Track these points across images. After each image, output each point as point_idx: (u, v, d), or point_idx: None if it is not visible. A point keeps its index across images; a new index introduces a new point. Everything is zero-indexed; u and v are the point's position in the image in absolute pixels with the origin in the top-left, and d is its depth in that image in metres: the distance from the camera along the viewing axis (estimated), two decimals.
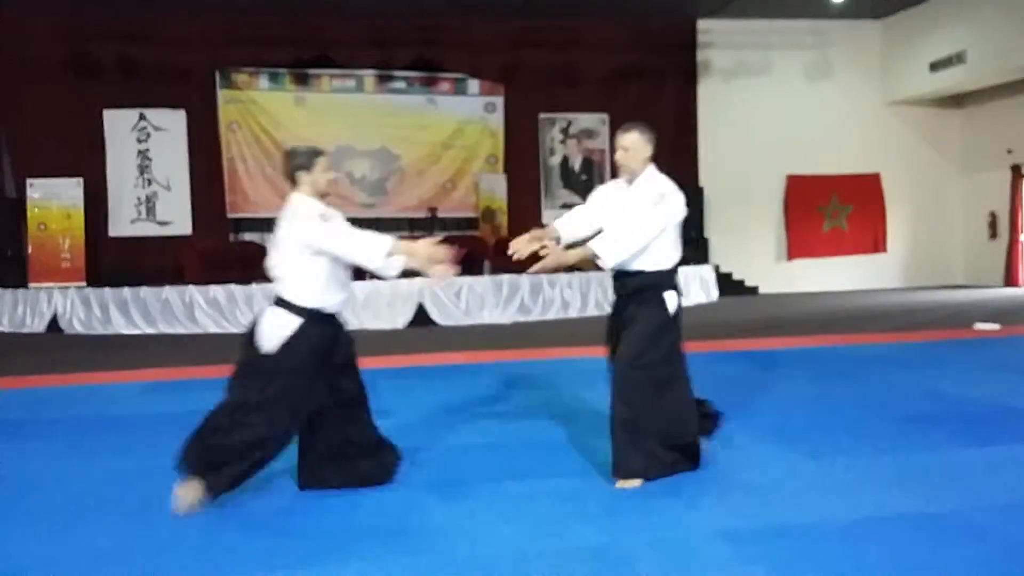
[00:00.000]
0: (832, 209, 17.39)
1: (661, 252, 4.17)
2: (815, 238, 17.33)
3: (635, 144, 4.23)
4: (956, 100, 17.65)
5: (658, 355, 4.07)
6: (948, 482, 3.91)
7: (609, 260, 4.09)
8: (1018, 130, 16.41)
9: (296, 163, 3.91)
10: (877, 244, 17.62)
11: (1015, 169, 16.55)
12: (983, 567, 2.92)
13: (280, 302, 3.84)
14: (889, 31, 17.33)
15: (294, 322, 3.79)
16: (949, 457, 4.35)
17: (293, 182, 3.94)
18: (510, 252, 4.15)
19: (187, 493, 3.70)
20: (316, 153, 3.95)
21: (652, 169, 4.27)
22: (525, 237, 4.17)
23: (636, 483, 3.98)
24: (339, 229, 3.86)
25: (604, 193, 4.45)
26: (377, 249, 3.84)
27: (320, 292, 3.85)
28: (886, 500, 3.68)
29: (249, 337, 3.86)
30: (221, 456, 3.71)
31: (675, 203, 4.16)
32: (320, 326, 3.86)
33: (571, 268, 13.18)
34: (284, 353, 3.77)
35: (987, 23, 14.90)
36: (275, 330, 3.79)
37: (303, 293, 3.83)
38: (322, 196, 3.96)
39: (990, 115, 17.18)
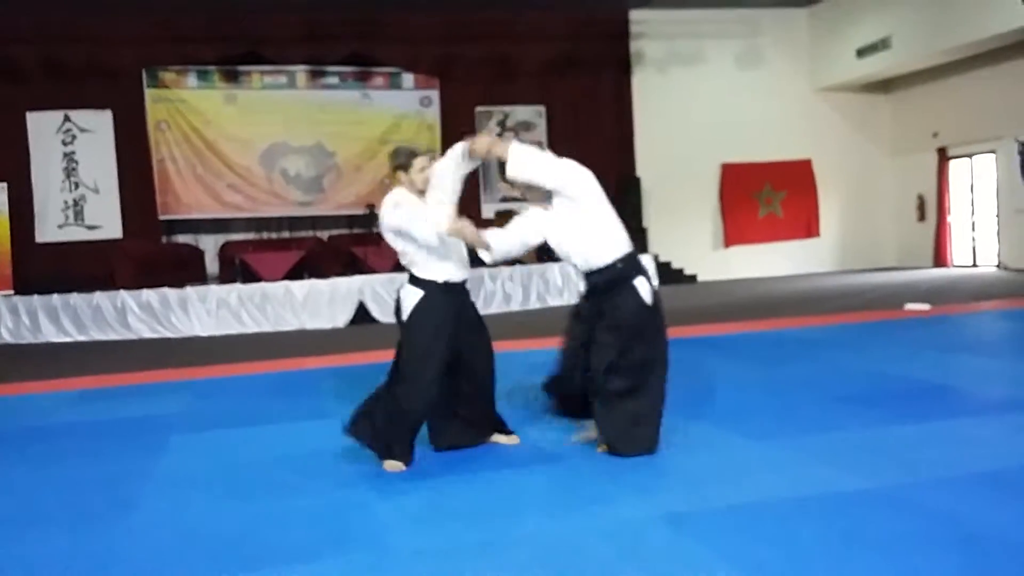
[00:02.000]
0: (766, 196, 17.69)
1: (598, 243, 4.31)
2: (751, 225, 17.61)
3: None
4: (883, 85, 18.08)
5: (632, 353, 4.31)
6: (883, 458, 3.99)
7: None
8: (943, 114, 16.88)
9: (397, 163, 4.34)
10: (810, 229, 17.97)
11: (941, 152, 17.01)
12: (915, 540, 2.99)
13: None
14: (816, 18, 17.67)
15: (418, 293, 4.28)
16: (883, 434, 4.44)
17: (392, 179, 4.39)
18: None
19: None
20: (413, 154, 4.35)
21: None
22: None
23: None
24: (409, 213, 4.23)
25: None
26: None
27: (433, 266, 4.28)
28: (824, 478, 3.74)
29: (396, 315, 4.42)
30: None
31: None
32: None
33: (514, 262, 13.19)
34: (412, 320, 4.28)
35: (910, 8, 15.27)
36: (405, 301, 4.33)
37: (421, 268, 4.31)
38: (420, 193, 4.33)
39: (916, 99, 17.63)
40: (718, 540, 3.09)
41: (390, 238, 4.32)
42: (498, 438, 4.67)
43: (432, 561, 3.05)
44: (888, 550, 2.91)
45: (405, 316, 4.33)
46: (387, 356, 8.69)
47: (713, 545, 3.04)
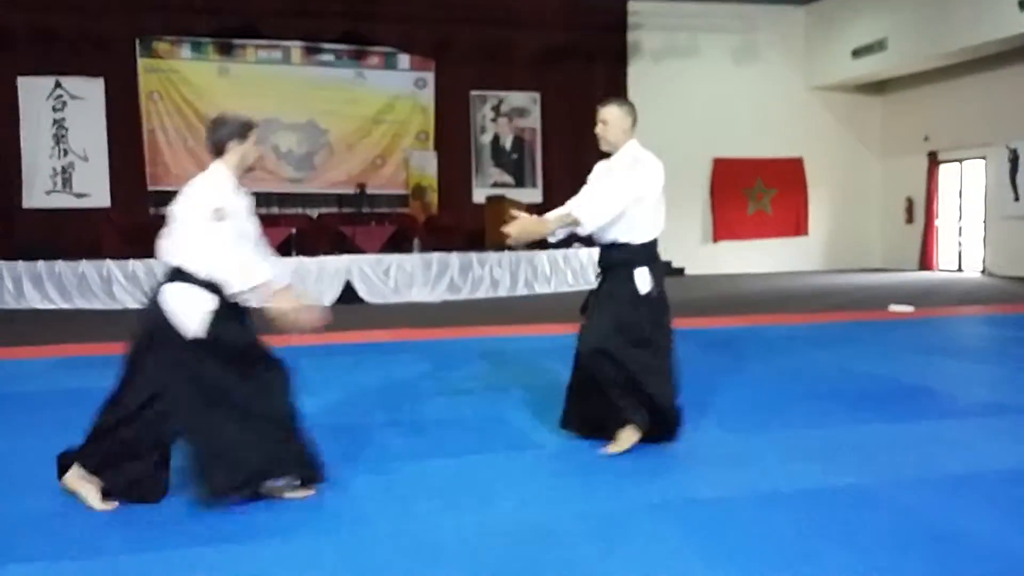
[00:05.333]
0: (757, 192, 17.74)
1: (636, 224, 4.14)
2: (740, 220, 17.66)
3: (613, 117, 4.18)
4: (877, 87, 18.12)
5: (620, 339, 4.05)
6: (859, 457, 4.03)
7: (587, 221, 4.04)
8: (935, 117, 16.94)
9: (227, 131, 3.57)
10: (799, 227, 18.05)
11: (931, 156, 17.09)
12: (885, 538, 3.03)
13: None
14: (813, 17, 17.69)
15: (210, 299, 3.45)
16: (861, 433, 4.48)
17: (219, 152, 3.57)
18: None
19: None
20: (250, 125, 3.63)
21: (633, 142, 4.24)
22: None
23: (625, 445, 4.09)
24: (216, 242, 3.42)
25: (595, 170, 4.40)
26: (244, 280, 3.45)
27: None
28: (800, 474, 3.78)
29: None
30: None
31: (650, 170, 4.16)
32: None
33: (502, 247, 13.18)
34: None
35: (907, 11, 15.31)
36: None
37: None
38: (248, 170, 3.67)
39: (909, 102, 17.69)
40: (693, 531, 3.12)
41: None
42: None
43: (404, 545, 3.06)
44: (858, 547, 2.94)
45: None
46: (372, 336, 8.70)
47: (688, 536, 3.07)
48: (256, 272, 3.47)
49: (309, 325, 3.59)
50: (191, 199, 3.46)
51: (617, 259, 4.17)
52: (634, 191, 4.09)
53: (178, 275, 3.45)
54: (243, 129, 3.59)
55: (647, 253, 4.19)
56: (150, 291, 3.59)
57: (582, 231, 4.09)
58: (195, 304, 3.41)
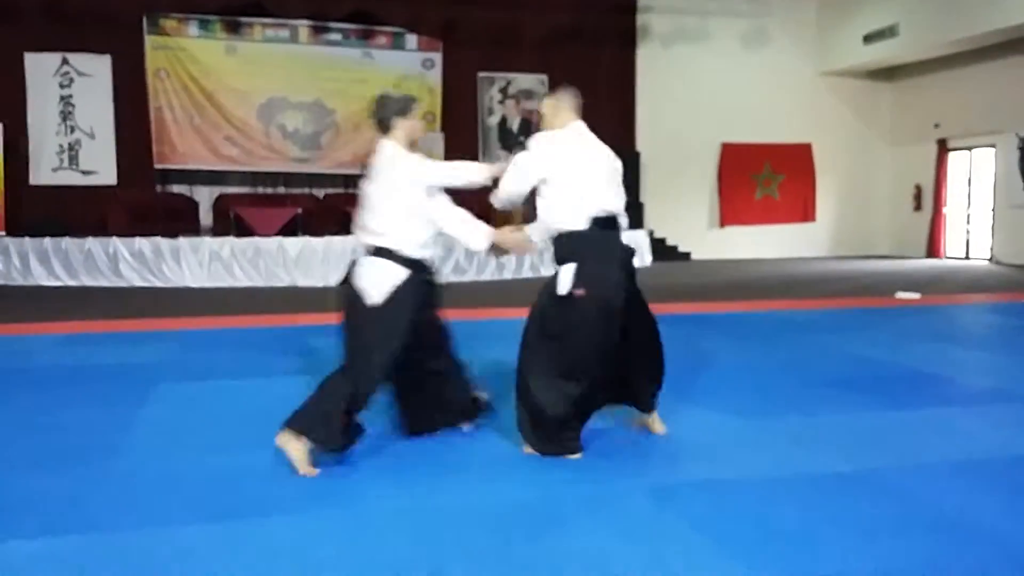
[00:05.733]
0: (764, 178, 17.66)
1: (551, 211, 3.84)
2: (747, 206, 17.60)
3: (545, 110, 4.11)
4: (887, 73, 18.00)
5: (531, 338, 3.88)
6: (864, 443, 4.03)
7: (495, 189, 3.99)
8: (945, 104, 16.83)
9: (395, 107, 3.82)
10: (807, 213, 17.99)
11: (941, 143, 16.99)
12: (889, 523, 3.03)
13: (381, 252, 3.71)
14: (824, 2, 17.55)
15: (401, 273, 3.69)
16: (866, 419, 4.47)
17: (385, 129, 3.81)
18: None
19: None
20: (412, 100, 3.93)
21: (577, 124, 4.00)
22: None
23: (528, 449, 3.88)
24: (444, 214, 3.85)
25: None
26: (479, 236, 3.90)
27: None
28: (804, 459, 3.78)
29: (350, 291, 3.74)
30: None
31: (536, 149, 3.88)
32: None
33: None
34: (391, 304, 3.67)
35: None
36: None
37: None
38: (412, 144, 3.86)
39: (919, 89, 17.57)
40: (696, 514, 3.12)
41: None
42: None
43: (407, 519, 3.07)
44: (858, 532, 2.94)
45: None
46: None
47: (691, 518, 3.07)
48: (484, 228, 3.88)
49: (532, 250, 4.11)
50: (402, 180, 3.69)
51: (554, 253, 3.86)
52: (522, 172, 3.89)
53: (378, 251, 3.71)
54: (406, 105, 3.85)
55: (572, 246, 3.75)
56: (350, 263, 3.85)
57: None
58: (385, 276, 3.66)
